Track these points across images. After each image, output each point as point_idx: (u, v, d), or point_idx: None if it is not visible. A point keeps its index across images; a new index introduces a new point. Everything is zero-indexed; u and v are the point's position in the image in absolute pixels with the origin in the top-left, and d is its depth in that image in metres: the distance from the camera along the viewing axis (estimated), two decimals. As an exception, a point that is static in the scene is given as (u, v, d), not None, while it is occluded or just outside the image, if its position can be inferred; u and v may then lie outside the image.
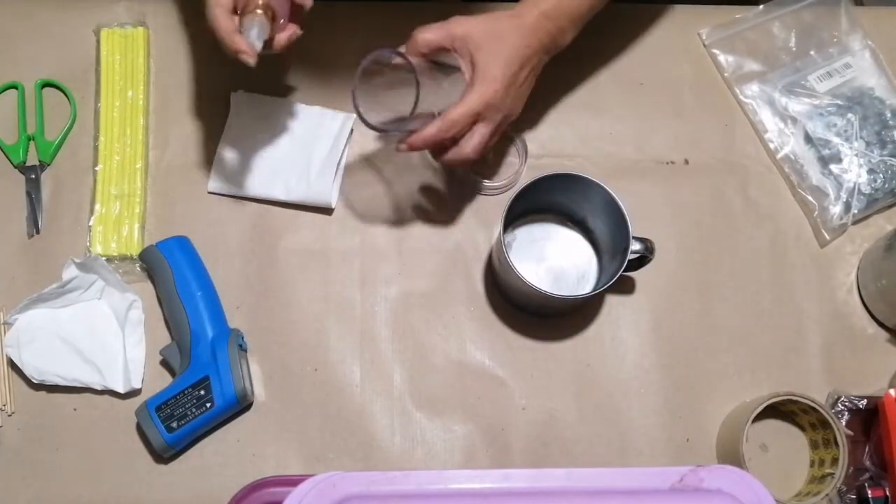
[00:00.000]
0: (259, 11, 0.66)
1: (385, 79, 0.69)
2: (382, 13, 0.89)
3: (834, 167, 0.85)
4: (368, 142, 0.86)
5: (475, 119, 0.70)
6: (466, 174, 0.84)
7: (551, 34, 0.72)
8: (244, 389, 0.74)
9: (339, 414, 0.78)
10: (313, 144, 0.83)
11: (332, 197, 0.82)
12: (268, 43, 0.69)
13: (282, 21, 0.69)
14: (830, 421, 0.73)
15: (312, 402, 0.78)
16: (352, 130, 0.85)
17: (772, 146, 0.87)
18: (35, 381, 0.76)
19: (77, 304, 0.79)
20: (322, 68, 0.87)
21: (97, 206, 0.82)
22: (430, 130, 0.69)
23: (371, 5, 0.89)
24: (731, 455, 0.75)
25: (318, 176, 0.82)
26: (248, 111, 0.84)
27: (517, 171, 0.85)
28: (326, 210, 0.83)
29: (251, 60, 0.66)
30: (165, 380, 0.78)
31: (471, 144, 0.71)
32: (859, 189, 0.84)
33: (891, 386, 0.77)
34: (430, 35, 0.69)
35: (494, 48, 0.69)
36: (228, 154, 0.84)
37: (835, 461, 0.73)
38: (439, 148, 0.73)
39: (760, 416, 0.75)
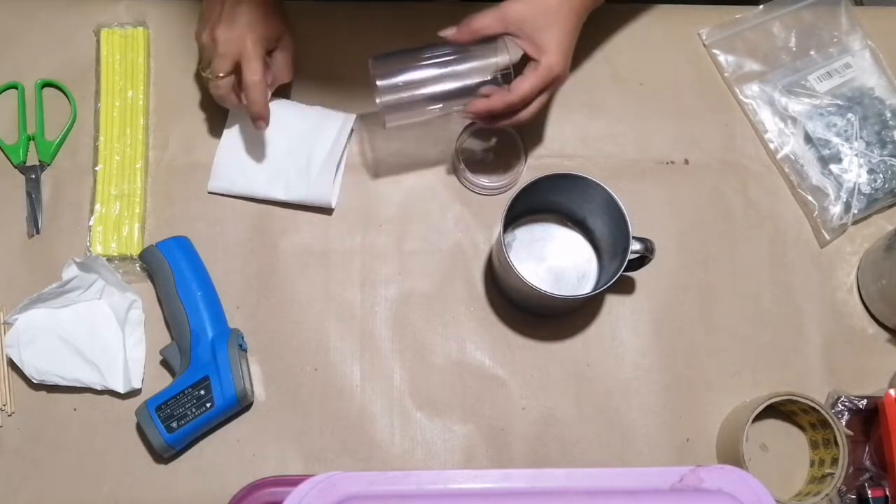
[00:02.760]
0: None
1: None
2: (382, 13, 0.89)
3: (834, 167, 0.85)
4: (369, 141, 0.86)
5: (541, 91, 0.74)
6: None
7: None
8: (244, 389, 0.74)
9: (339, 414, 0.78)
10: (313, 144, 0.83)
11: (332, 197, 0.82)
12: None
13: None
14: (830, 421, 0.73)
15: (312, 402, 0.78)
16: (352, 130, 0.85)
17: (772, 146, 0.87)
18: (35, 381, 0.76)
19: (77, 304, 0.79)
20: (322, 68, 0.87)
21: (97, 206, 0.82)
22: (496, 101, 0.73)
23: (370, 5, 0.89)
24: (731, 455, 0.75)
25: (318, 176, 0.82)
26: (248, 111, 0.84)
27: (517, 171, 0.84)
28: (326, 210, 0.83)
29: (265, 128, 0.80)
30: (165, 380, 0.77)
31: (529, 111, 0.76)
32: (859, 189, 0.84)
33: (891, 386, 0.77)
34: (486, 21, 0.73)
35: (550, 25, 0.73)
36: (228, 154, 0.84)
37: (835, 461, 0.73)
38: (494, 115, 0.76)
39: (760, 416, 0.75)
